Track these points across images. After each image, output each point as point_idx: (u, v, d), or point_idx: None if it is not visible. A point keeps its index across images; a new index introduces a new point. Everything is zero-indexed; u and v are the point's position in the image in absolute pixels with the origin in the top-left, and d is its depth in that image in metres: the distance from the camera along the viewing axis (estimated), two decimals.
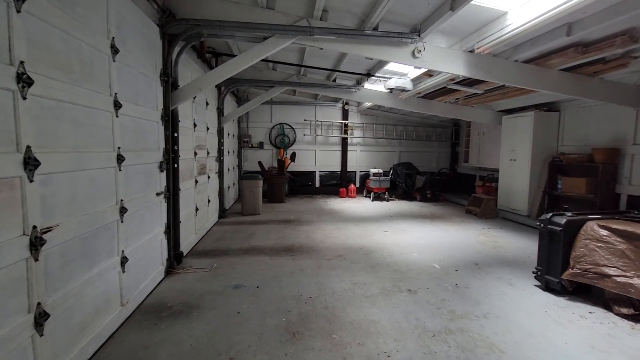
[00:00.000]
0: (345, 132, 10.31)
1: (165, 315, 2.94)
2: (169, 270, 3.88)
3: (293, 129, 10.10)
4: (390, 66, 5.85)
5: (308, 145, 10.33)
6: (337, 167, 10.54)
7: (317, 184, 10.50)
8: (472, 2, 3.19)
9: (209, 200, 5.90)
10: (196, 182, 5.08)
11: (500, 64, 4.49)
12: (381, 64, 5.77)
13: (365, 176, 10.27)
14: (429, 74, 5.69)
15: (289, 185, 10.01)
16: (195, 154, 5.07)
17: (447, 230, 6.11)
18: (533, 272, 3.68)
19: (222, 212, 6.94)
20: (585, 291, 3.38)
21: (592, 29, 3.40)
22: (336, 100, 9.93)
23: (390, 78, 6.28)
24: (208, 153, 5.87)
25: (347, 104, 10.17)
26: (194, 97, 4.96)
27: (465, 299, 3.33)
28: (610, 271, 3.02)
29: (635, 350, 2.50)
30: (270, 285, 3.60)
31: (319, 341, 2.57)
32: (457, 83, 5.88)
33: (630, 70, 4.49)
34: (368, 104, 9.00)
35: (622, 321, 2.91)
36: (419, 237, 5.61)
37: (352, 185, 10.13)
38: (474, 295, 3.43)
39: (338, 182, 10.52)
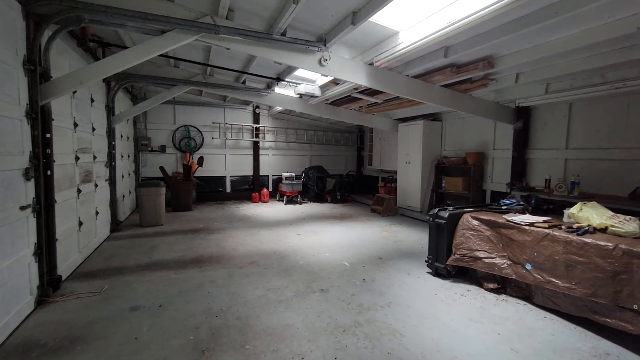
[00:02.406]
0: (257, 135, 10.16)
1: (36, 356, 2.41)
2: (42, 300, 3.20)
3: (200, 131, 9.48)
4: (300, 72, 6.01)
5: (217, 149, 9.82)
6: (249, 172, 10.29)
7: (228, 190, 10.07)
8: (370, 20, 3.50)
9: (97, 212, 5.08)
10: (79, 191, 4.32)
11: (395, 78, 5.02)
12: (291, 69, 5.86)
13: (278, 180, 10.28)
14: (336, 82, 6.02)
15: (197, 191, 9.36)
16: (77, 158, 4.31)
17: (355, 229, 6.54)
18: (425, 261, 4.20)
19: (116, 225, 6.06)
20: (464, 273, 4.02)
21: (462, 54, 4.09)
22: (247, 103, 9.70)
23: (299, 84, 6.42)
24: (95, 158, 5.06)
25: (258, 107, 10.03)
26: (74, 92, 4.23)
27: (372, 292, 3.60)
28: (481, 254, 3.65)
29: (499, 317, 3.07)
30: (176, 302, 3.28)
31: (231, 355, 2.45)
32: (360, 92, 6.37)
33: (490, 90, 5.55)
34: (279, 108, 9.05)
35: (489, 295, 3.54)
36: (330, 237, 5.86)
37: (265, 190, 10.03)
38: (379, 287, 3.73)
39: (250, 187, 10.28)
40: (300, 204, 9.53)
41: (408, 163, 8.02)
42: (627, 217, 2.91)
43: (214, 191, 9.87)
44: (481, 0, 2.84)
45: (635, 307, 2.44)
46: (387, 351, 2.52)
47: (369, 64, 4.67)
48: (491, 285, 3.59)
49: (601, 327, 2.73)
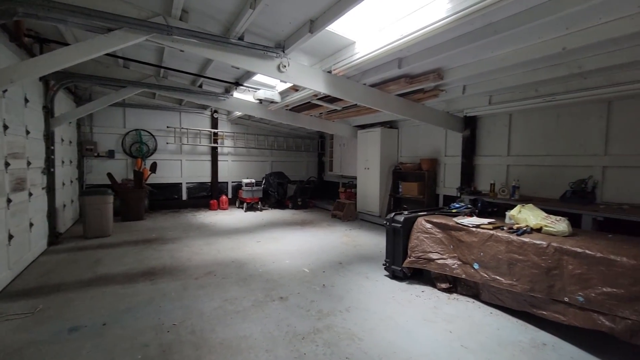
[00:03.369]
0: (215, 141, 9.86)
1: None
2: None
3: (153, 136, 8.99)
4: (259, 77, 5.95)
5: (172, 154, 9.38)
6: (207, 178, 9.94)
7: (185, 197, 9.63)
8: (327, 29, 3.57)
9: (31, 224, 4.59)
10: (9, 201, 3.88)
11: (352, 86, 5.16)
12: (250, 74, 5.79)
13: (238, 187, 10.03)
14: (295, 88, 6.04)
15: (150, 199, 8.84)
16: (7, 164, 3.88)
17: (316, 235, 6.56)
18: (383, 264, 4.31)
19: (55, 237, 5.53)
20: (420, 274, 4.19)
21: (414, 65, 4.31)
22: (204, 107, 9.39)
23: (259, 89, 6.36)
24: (29, 163, 4.58)
25: (216, 111, 9.76)
26: (4, 91, 3.81)
27: (331, 297, 3.62)
28: (434, 256, 3.83)
29: (451, 315, 3.23)
30: (122, 319, 3.05)
31: None
32: (319, 99, 6.45)
33: (440, 100, 5.90)
34: (238, 113, 8.88)
35: (442, 294, 3.72)
36: (291, 244, 5.81)
37: (224, 197, 9.73)
38: (338, 292, 3.76)
39: (208, 194, 9.92)
40: (260, 210, 9.37)
41: (367, 169, 8.24)
42: (558, 218, 3.22)
43: (169, 199, 9.39)
44: (429, 16, 3.02)
45: (566, 299, 2.70)
46: (345, 356, 2.53)
47: (328, 72, 4.75)
48: (443, 285, 3.77)
49: (539, 320, 2.97)
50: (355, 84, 5.16)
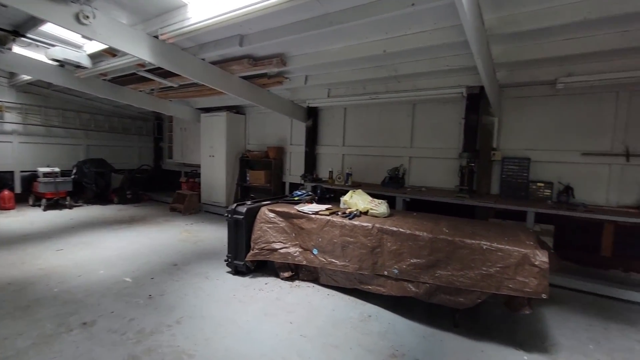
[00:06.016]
0: None
1: None
2: None
3: None
4: (55, 29, 4.37)
5: None
6: None
7: None
8: None
9: None
10: None
11: (188, 59, 4.46)
12: (35, 21, 4.17)
13: (32, 177, 7.44)
14: (113, 52, 4.77)
15: None
16: None
17: (147, 234, 5.53)
18: (225, 260, 3.95)
19: None
20: (263, 266, 4.04)
21: (257, 46, 4.04)
22: None
23: (55, 45, 4.71)
24: None
25: None
26: None
27: (159, 310, 3.00)
28: (277, 245, 3.74)
29: (292, 304, 3.19)
30: None
31: None
32: (148, 71, 5.36)
33: (285, 88, 5.89)
34: (27, 77, 6.47)
35: (285, 283, 3.68)
36: (110, 249, 4.66)
37: (8, 192, 7.04)
38: (169, 301, 3.17)
39: None
40: (70, 208, 7.27)
41: (212, 156, 7.58)
42: (380, 201, 3.65)
43: None
44: None
45: (386, 272, 3.06)
46: None
47: (154, 37, 3.91)
48: (286, 274, 3.74)
49: (366, 294, 3.30)
50: (192, 58, 4.48)
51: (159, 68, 4.83)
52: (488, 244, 2.64)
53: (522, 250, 2.53)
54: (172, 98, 7.33)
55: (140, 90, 6.83)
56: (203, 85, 5.43)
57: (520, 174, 4.60)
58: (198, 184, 8.08)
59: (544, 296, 2.42)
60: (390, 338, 2.68)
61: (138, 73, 5.46)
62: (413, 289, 2.92)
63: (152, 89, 6.69)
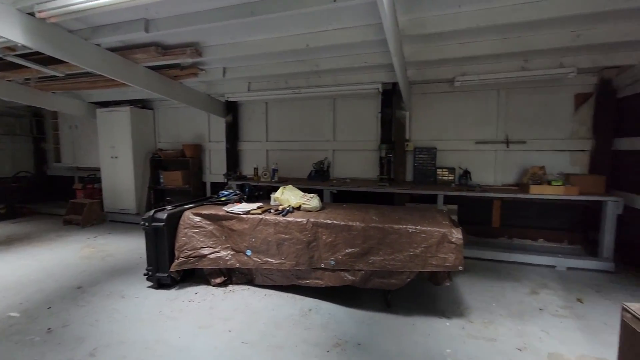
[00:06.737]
0: None
1: None
2: None
3: None
4: None
5: None
6: None
7: None
8: None
9: None
10: None
11: (78, 44, 3.76)
12: None
13: None
14: None
15: None
16: None
17: (35, 255, 4.56)
18: (144, 274, 3.51)
19: None
20: (192, 275, 3.71)
21: (167, 32, 3.62)
22: None
23: None
24: None
25: None
26: None
27: (64, 345, 2.51)
28: (206, 251, 3.47)
29: (228, 311, 3.01)
30: None
31: None
32: (21, 56, 4.35)
33: (200, 80, 5.45)
34: None
35: (217, 290, 3.45)
36: None
37: None
38: (76, 332, 2.68)
39: None
40: None
41: (115, 158, 6.62)
42: (311, 195, 3.68)
43: None
44: None
45: (322, 265, 3.11)
46: None
47: (30, 14, 3.18)
48: (218, 280, 3.51)
49: (305, 289, 3.30)
50: (83, 42, 3.79)
51: (38, 53, 3.97)
52: (413, 227, 2.90)
53: (441, 230, 2.84)
54: (57, 90, 6.12)
55: (10, 80, 5.53)
56: (100, 75, 4.66)
57: (429, 162, 5.16)
58: (99, 190, 6.98)
59: (460, 268, 2.76)
60: (332, 328, 2.74)
61: (5, 58, 4.39)
62: (350, 277, 3.03)
63: (28, 79, 5.46)
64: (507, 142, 4.90)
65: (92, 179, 7.30)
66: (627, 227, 4.04)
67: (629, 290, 3.47)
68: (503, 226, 5.05)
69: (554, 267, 4.07)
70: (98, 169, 6.99)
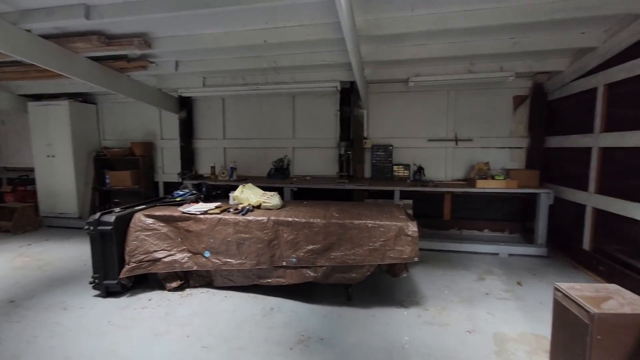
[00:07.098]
0: None
1: None
2: None
3: None
4: None
5: None
6: None
7: None
8: None
9: None
10: None
11: (4, 28, 3.34)
12: None
13: None
14: None
15: None
16: None
17: None
18: (90, 282, 3.24)
19: None
20: (144, 280, 3.49)
21: (111, 20, 3.34)
22: None
23: None
24: None
25: None
26: None
27: None
28: (160, 254, 3.28)
29: (186, 316, 2.89)
30: None
31: None
32: None
33: (150, 74, 5.11)
34: None
35: (174, 295, 3.28)
36: None
37: None
38: (10, 351, 2.40)
39: None
40: None
41: (52, 156, 6.01)
42: (272, 193, 3.64)
43: None
44: None
45: (284, 263, 3.09)
46: None
47: None
48: (174, 284, 3.35)
49: (266, 288, 3.26)
50: (9, 27, 3.37)
51: None
52: (372, 222, 2.99)
53: (398, 223, 2.97)
54: None
55: None
56: (32, 65, 4.18)
57: (386, 159, 5.35)
58: (32, 193, 6.29)
59: (416, 259, 2.91)
60: (294, 325, 2.75)
61: None
62: (311, 274, 3.05)
63: None
64: (456, 140, 5.24)
65: (24, 180, 6.57)
66: (557, 216, 4.53)
67: (559, 272, 3.90)
68: (453, 218, 5.40)
69: (497, 254, 4.44)
70: (31, 169, 6.29)
